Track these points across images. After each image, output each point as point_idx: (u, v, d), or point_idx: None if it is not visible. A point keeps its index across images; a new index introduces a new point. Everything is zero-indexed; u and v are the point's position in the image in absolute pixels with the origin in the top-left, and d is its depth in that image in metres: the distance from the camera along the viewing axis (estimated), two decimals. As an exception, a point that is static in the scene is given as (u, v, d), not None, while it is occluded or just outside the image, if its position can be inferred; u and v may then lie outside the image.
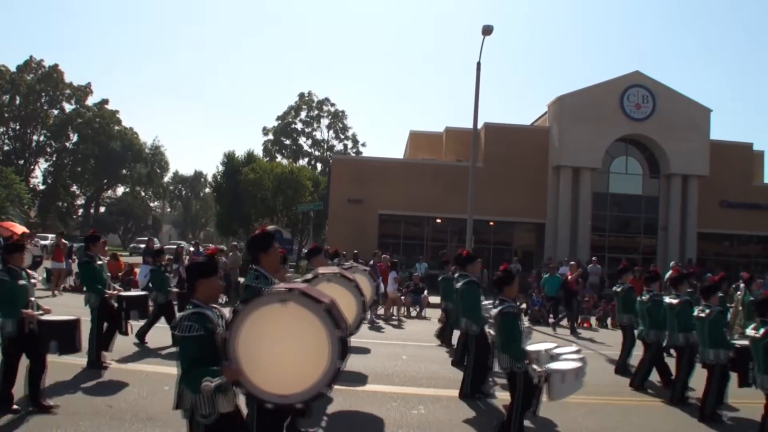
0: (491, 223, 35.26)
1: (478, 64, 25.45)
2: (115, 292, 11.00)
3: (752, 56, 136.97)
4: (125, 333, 11.00)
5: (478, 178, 27.82)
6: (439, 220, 35.95)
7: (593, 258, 30.19)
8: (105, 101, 72.05)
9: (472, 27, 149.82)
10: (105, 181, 75.13)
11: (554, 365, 6.92)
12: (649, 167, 36.28)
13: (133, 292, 12.38)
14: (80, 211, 77.25)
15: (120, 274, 23.71)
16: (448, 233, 36.04)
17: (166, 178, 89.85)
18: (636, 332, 11.95)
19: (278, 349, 4.42)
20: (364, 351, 13.37)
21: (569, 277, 20.58)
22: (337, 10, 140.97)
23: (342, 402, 9.23)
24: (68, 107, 70.13)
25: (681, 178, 35.30)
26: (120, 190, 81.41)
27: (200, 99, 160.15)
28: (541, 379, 6.76)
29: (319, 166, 72.11)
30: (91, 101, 71.35)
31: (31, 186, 66.50)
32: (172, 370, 10.05)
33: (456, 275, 11.76)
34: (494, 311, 7.23)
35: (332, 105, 76.26)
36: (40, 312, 7.97)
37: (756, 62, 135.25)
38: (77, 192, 75.02)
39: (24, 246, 8.55)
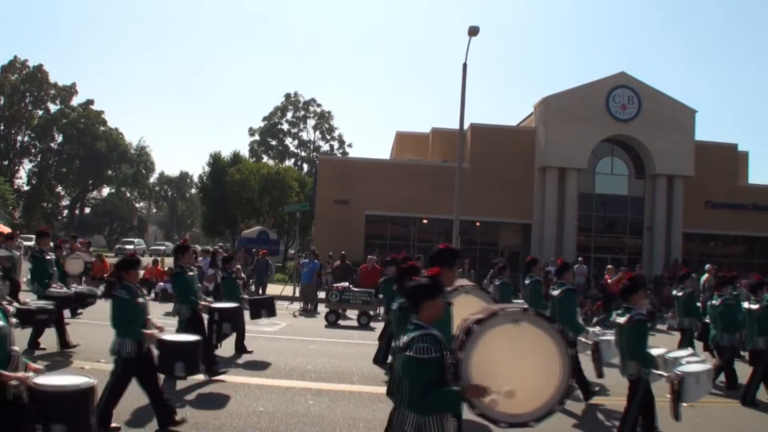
0: (477, 224, 35.31)
1: (464, 64, 25.46)
2: (207, 303, 10.63)
3: (737, 57, 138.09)
4: (216, 346, 10.75)
5: (465, 178, 27.81)
6: (425, 221, 35.96)
7: (579, 258, 30.21)
8: (90, 101, 71.76)
9: (459, 28, 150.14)
10: (90, 181, 74.71)
11: (686, 368, 6.98)
12: (634, 168, 36.43)
13: (226, 304, 11.54)
14: (65, 211, 76.84)
15: (105, 275, 23.54)
16: (435, 234, 36.01)
17: (152, 179, 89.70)
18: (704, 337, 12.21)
19: (510, 369, 4.47)
20: (351, 350, 13.34)
21: (608, 281, 20.55)
22: (324, 11, 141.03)
23: (328, 402, 9.22)
24: (53, 107, 69.86)
25: (666, 178, 35.45)
26: (105, 190, 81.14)
27: (186, 99, 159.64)
28: (674, 383, 6.78)
29: (305, 166, 72.11)
30: (76, 101, 71.11)
31: (16, 187, 66.06)
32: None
33: (527, 281, 11.78)
34: (621, 319, 7.23)
35: (318, 105, 76.36)
36: (157, 331, 7.63)
37: (741, 63, 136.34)
38: (62, 193, 74.67)
39: (139, 261, 8.13)
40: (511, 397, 4.31)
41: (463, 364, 4.46)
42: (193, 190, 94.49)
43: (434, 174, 34.63)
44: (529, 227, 35.73)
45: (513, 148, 35.07)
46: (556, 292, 10.30)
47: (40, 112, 68.95)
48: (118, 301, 7.21)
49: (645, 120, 34.76)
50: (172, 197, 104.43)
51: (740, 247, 38.40)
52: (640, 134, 34.87)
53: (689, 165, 35.16)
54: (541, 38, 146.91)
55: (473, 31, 24.68)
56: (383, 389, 9.77)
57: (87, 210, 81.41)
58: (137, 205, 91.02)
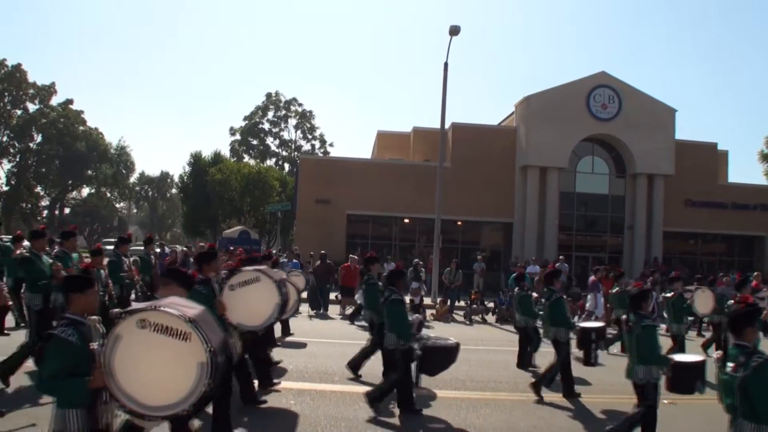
0: (459, 223, 35.33)
1: (446, 64, 25.47)
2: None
3: (717, 56, 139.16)
4: (593, 364, 10.25)
5: (446, 178, 27.83)
6: (407, 220, 35.93)
7: (560, 257, 30.35)
8: (69, 101, 70.86)
9: (440, 27, 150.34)
10: (70, 182, 73.91)
11: None
12: (615, 167, 36.58)
13: (596, 323, 11.80)
14: (45, 212, 76.06)
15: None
16: (417, 233, 36.07)
17: (132, 179, 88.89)
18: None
19: None
20: (333, 350, 13.27)
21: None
22: (305, 10, 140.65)
23: (310, 402, 9.18)
24: (32, 107, 68.82)
25: (647, 177, 35.63)
26: (85, 191, 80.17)
27: (167, 99, 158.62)
28: None
29: (286, 166, 71.80)
30: (55, 101, 70.11)
31: (-6, 187, 65.50)
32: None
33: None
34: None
35: (300, 105, 76.05)
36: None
37: (720, 62, 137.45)
38: (41, 193, 73.79)
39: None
40: None
41: None
42: (173, 190, 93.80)
43: (416, 173, 34.60)
44: (510, 226, 35.78)
45: (494, 147, 35.06)
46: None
47: (19, 112, 68.04)
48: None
49: (625, 119, 34.92)
50: (152, 197, 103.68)
51: (720, 246, 38.71)
52: (621, 133, 35.02)
53: (669, 164, 35.36)
54: (522, 38, 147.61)
55: (454, 31, 24.68)
56: (362, 389, 9.74)
57: (67, 210, 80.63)
58: (117, 205, 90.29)
